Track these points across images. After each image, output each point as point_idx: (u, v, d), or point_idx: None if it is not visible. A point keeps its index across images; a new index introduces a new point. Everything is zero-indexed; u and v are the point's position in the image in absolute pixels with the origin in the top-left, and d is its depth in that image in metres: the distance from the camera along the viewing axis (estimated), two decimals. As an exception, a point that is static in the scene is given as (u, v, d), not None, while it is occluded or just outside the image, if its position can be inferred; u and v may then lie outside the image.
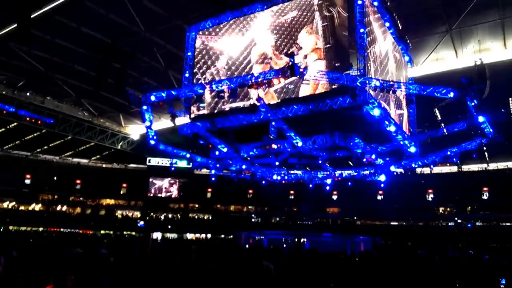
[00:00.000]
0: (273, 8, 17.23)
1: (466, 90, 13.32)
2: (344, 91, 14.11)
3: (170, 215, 55.13)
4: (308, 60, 15.64)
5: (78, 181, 54.30)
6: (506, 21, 22.80)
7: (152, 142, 18.31)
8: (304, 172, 24.68)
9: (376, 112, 14.05)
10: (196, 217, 55.74)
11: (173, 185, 55.87)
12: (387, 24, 17.99)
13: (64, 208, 53.70)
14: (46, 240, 26.56)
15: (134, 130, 44.30)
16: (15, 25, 20.86)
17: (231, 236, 42.43)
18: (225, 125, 17.66)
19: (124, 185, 55.74)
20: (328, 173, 23.73)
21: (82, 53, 28.08)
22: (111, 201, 56.06)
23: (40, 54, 28.44)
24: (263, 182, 25.38)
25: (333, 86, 14.58)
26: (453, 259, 23.66)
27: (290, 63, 12.75)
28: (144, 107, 16.76)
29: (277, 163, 21.71)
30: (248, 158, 21.23)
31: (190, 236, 49.57)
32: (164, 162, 51.12)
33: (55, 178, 52.50)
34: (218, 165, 22.36)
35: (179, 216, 54.92)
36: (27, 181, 51.99)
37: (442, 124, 20.82)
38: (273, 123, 16.42)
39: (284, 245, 31.58)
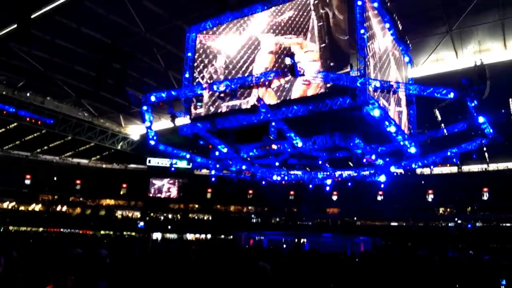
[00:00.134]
0: (271, 8, 17.30)
1: (466, 91, 13.33)
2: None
3: (170, 216, 55.11)
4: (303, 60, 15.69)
5: (78, 182, 54.23)
6: (506, 22, 22.79)
7: (152, 142, 18.33)
8: (304, 173, 24.67)
9: (376, 113, 14.06)
10: (196, 217, 55.70)
11: (173, 185, 55.84)
12: (387, 25, 18.01)
13: (64, 208, 53.67)
14: (46, 241, 26.54)
15: (134, 131, 44.31)
16: (15, 25, 20.85)
17: (231, 237, 42.42)
18: (225, 125, 17.67)
19: (124, 185, 55.70)
20: (328, 173, 23.73)
21: (82, 53, 28.09)
22: (111, 202, 56.02)
23: (40, 54, 28.44)
24: (263, 182, 25.39)
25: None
26: (453, 259, 23.66)
27: (291, 64, 12.77)
28: (144, 108, 16.79)
29: (277, 164, 21.70)
30: (248, 159, 21.25)
31: (190, 236, 49.54)
32: (164, 162, 51.04)
33: (55, 178, 52.45)
34: (218, 166, 22.37)
35: (179, 217, 54.90)
36: (27, 182, 51.93)
37: (442, 125, 20.81)
38: (273, 124, 16.42)
39: (284, 246, 31.56)
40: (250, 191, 52.88)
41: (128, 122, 42.96)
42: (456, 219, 45.87)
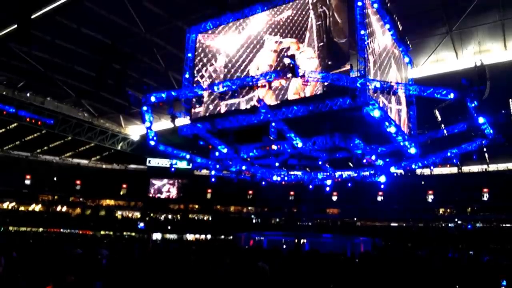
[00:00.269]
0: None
1: (466, 91, 13.34)
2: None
3: (170, 216, 55.11)
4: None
5: (78, 182, 54.24)
6: (506, 22, 22.80)
7: (152, 142, 18.32)
8: (304, 173, 24.66)
9: (376, 113, 14.07)
10: (196, 218, 55.71)
11: (173, 186, 55.85)
12: (387, 26, 18.01)
13: (64, 208, 53.68)
14: (46, 241, 26.53)
15: (134, 131, 44.31)
16: (15, 25, 20.87)
17: (231, 237, 42.39)
18: (225, 126, 17.67)
19: (124, 185, 55.72)
20: (328, 174, 23.73)
21: (82, 53, 28.10)
22: (111, 202, 56.02)
23: (40, 54, 28.45)
24: (263, 183, 25.37)
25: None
26: (453, 260, 23.64)
27: (291, 65, 12.77)
28: (144, 108, 16.78)
29: (277, 164, 21.70)
30: (248, 159, 21.25)
31: (190, 237, 49.53)
32: (164, 163, 51.02)
33: (55, 178, 52.46)
34: (218, 166, 22.37)
35: (179, 217, 54.90)
36: (27, 182, 51.94)
37: (442, 125, 20.80)
38: (273, 124, 16.43)
39: (284, 246, 31.51)
40: (250, 192, 52.89)
41: (128, 122, 42.97)
42: (456, 219, 45.86)
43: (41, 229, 44.73)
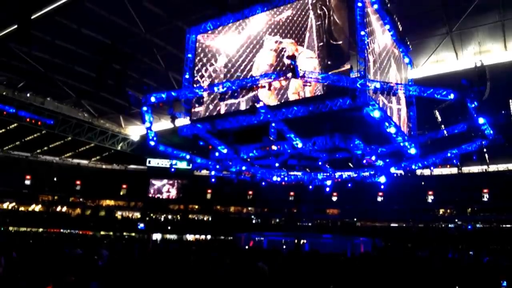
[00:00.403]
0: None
1: (467, 92, 13.34)
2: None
3: (170, 216, 55.06)
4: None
5: (78, 182, 54.21)
6: (506, 23, 22.80)
7: (152, 143, 18.34)
8: (304, 174, 24.66)
9: (376, 114, 14.07)
10: (196, 218, 55.68)
11: (173, 186, 55.84)
12: (387, 27, 18.01)
13: (64, 209, 53.64)
14: (46, 241, 26.51)
15: (134, 131, 44.31)
16: (15, 25, 20.86)
17: (231, 238, 42.36)
18: (225, 126, 17.68)
19: (124, 186, 55.70)
20: (328, 174, 23.73)
21: (83, 54, 28.11)
22: (111, 202, 55.99)
23: (41, 55, 28.45)
24: (263, 183, 25.37)
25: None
26: (453, 260, 23.63)
27: (292, 65, 12.79)
28: (144, 108, 16.80)
29: (277, 165, 21.71)
30: (248, 160, 21.25)
31: (190, 237, 49.51)
32: (164, 163, 51.01)
33: (55, 179, 52.43)
34: (218, 166, 22.37)
35: (179, 217, 54.86)
36: (27, 182, 51.92)
37: (443, 126, 20.81)
38: (273, 124, 16.44)
39: (284, 247, 31.50)
40: (250, 192, 52.87)
41: (128, 122, 42.96)
42: (456, 220, 45.85)
43: (41, 230, 44.63)
